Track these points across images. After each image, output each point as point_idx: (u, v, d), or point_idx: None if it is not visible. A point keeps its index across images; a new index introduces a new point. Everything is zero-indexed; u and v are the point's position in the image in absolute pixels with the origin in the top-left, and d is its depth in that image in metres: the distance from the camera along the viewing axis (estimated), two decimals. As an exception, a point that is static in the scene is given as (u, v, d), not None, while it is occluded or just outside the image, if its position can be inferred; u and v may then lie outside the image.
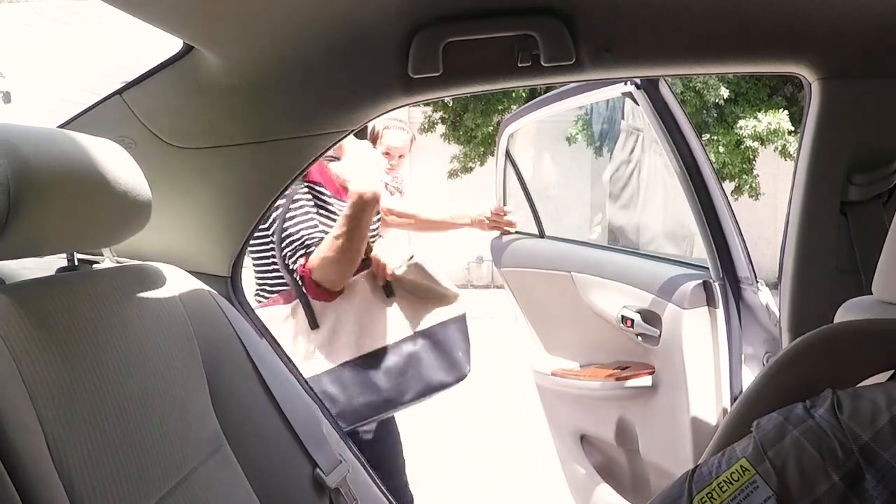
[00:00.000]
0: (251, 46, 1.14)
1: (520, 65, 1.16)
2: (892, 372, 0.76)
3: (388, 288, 1.73)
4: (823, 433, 0.70)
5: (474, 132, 9.66)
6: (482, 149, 9.84)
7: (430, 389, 1.67)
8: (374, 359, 1.65)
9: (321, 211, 1.70)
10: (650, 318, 1.95)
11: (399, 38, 1.14)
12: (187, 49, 1.16)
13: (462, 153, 10.07)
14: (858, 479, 0.66)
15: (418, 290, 1.73)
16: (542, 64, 1.15)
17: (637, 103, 1.78)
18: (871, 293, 0.97)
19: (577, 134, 8.86)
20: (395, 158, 2.56)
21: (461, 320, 1.74)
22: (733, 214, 1.78)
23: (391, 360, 1.66)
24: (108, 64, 9.01)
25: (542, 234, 2.56)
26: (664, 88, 1.78)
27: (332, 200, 1.74)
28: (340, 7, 1.07)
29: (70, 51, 9.76)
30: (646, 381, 1.97)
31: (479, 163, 9.99)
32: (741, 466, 0.73)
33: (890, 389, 0.69)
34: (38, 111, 8.71)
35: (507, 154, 2.66)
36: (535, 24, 1.12)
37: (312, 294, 1.63)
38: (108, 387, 0.96)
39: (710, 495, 0.74)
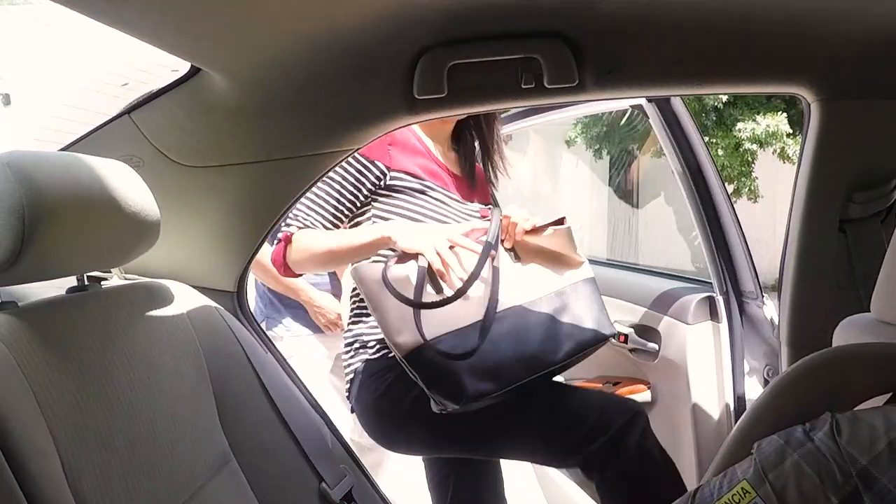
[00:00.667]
0: (258, 69, 1.15)
1: (523, 86, 1.18)
2: (889, 395, 0.78)
3: (513, 251, 1.54)
4: (822, 457, 0.71)
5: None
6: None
7: (583, 346, 1.48)
8: (519, 315, 1.44)
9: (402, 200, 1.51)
10: (646, 332, 1.95)
11: (405, 59, 1.16)
12: (195, 70, 1.17)
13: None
14: (857, 502, 0.67)
15: (546, 255, 1.55)
16: (546, 85, 1.17)
17: (647, 116, 1.79)
18: (868, 309, 0.98)
19: (577, 137, 8.87)
20: None
21: (592, 282, 1.57)
22: (740, 228, 1.78)
23: (537, 317, 1.47)
24: (108, 66, 9.03)
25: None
26: (676, 101, 1.78)
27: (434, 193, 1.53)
28: (347, 30, 1.09)
29: (70, 53, 9.77)
30: (645, 395, 1.97)
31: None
32: (742, 489, 0.75)
33: (888, 413, 0.71)
34: (38, 113, 8.72)
35: None
36: (539, 47, 1.14)
37: (273, 261, 1.50)
38: (118, 406, 0.98)
39: (711, 517, 0.76)
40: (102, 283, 1.16)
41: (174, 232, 1.29)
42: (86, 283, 1.09)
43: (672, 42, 1.16)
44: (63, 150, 1.25)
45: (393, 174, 1.49)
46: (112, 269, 1.26)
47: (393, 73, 1.17)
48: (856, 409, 0.75)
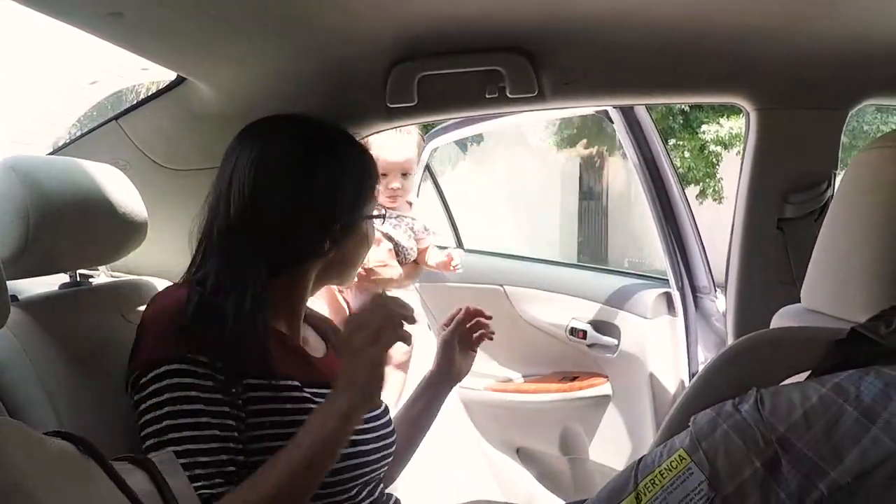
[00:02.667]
0: (243, 79, 1.23)
1: (487, 96, 1.27)
2: (808, 372, 0.89)
3: None
4: (748, 426, 0.82)
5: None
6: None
7: None
8: None
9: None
10: (605, 328, 2.04)
11: (378, 71, 1.25)
12: (180, 80, 1.24)
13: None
14: (776, 464, 0.78)
15: None
16: (508, 95, 1.26)
17: (611, 121, 1.88)
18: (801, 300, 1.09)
19: (548, 139, 8.98)
20: (397, 178, 1.79)
21: None
22: (696, 226, 1.89)
23: None
24: (75, 67, 8.92)
25: (459, 247, 2.52)
26: (638, 107, 1.88)
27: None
28: (326, 44, 1.17)
29: (37, 55, 9.63)
30: (605, 389, 2.07)
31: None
32: (679, 456, 0.85)
33: (805, 388, 0.81)
34: (12, 116, 8.60)
35: (428, 168, 2.59)
36: (502, 60, 1.23)
37: None
38: (113, 396, 1.05)
39: (652, 481, 0.85)
40: (91, 279, 1.22)
41: (159, 231, 1.35)
42: (78, 279, 1.16)
43: (624, 56, 1.26)
44: (52, 153, 1.32)
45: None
46: (99, 267, 1.33)
47: (368, 83, 1.26)
48: (780, 383, 0.86)
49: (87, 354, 1.03)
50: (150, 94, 1.28)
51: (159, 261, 1.41)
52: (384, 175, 1.72)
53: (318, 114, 1.32)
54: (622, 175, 9.10)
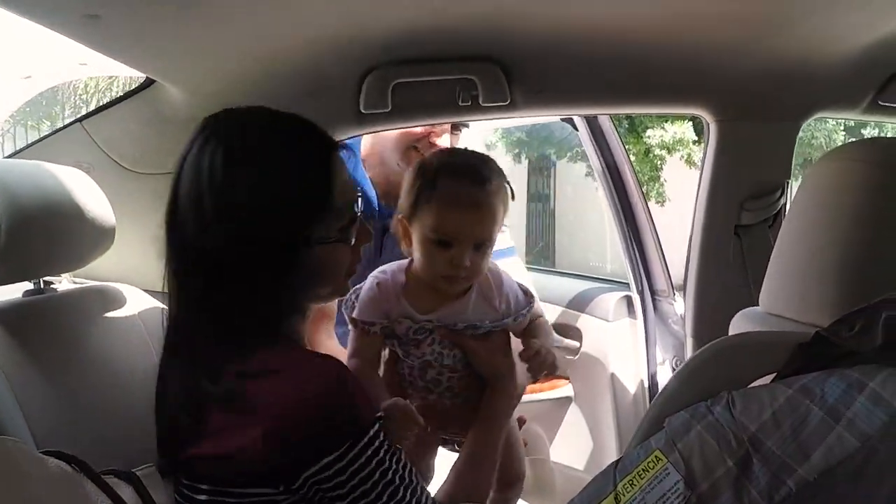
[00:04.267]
0: (215, 83, 1.22)
1: (460, 104, 1.29)
2: (774, 374, 0.93)
3: None
4: (721, 426, 0.86)
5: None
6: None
7: None
8: None
9: None
10: (566, 331, 2.07)
11: (353, 77, 1.25)
12: (149, 82, 1.22)
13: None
14: (748, 463, 0.82)
15: None
16: (481, 103, 1.29)
17: (576, 129, 1.92)
18: (758, 304, 1.15)
19: (498, 141, 9.04)
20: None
21: None
22: (655, 230, 1.95)
23: None
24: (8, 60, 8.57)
25: None
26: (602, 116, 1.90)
27: None
28: (301, 49, 1.17)
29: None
30: (567, 390, 2.09)
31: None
32: (656, 456, 0.89)
33: (773, 389, 0.86)
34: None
35: None
36: (475, 69, 1.26)
37: None
38: (83, 403, 1.02)
39: (631, 482, 0.89)
40: (53, 286, 1.19)
41: (125, 236, 1.32)
42: (42, 286, 1.13)
43: (593, 68, 1.30)
44: (10, 156, 1.28)
45: None
46: (62, 274, 1.29)
47: (343, 88, 1.26)
48: (748, 387, 0.90)
49: (57, 362, 1.00)
50: (89, 90, 1.24)
51: (124, 267, 1.38)
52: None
53: None
54: (570, 178, 9.26)
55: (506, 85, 1.27)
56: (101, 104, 1.43)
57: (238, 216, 0.83)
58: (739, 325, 1.16)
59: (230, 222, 0.84)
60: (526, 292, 1.12)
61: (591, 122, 1.89)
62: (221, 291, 0.85)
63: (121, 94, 1.30)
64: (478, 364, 1.07)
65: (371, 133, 1.52)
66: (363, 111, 1.27)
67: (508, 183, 1.05)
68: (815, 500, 0.78)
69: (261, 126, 0.91)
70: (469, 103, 1.29)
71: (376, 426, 0.82)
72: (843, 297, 0.95)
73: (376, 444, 0.82)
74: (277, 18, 1.08)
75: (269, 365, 0.81)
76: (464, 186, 0.99)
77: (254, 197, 0.84)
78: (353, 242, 0.91)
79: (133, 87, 1.23)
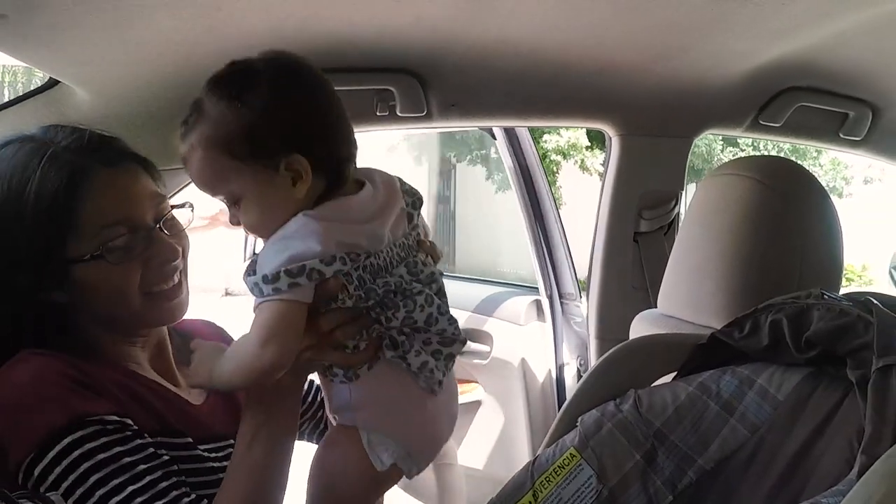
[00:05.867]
0: (124, 87, 1.18)
1: (378, 114, 1.32)
2: (675, 373, 1.01)
3: None
4: (629, 423, 0.93)
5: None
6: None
7: None
8: None
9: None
10: (476, 336, 2.09)
11: None
12: (53, 82, 1.17)
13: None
14: (654, 456, 0.89)
15: None
16: (398, 114, 1.32)
17: (494, 137, 1.96)
18: (656, 306, 1.24)
19: (400, 143, 9.04)
20: None
21: None
22: (564, 235, 2.02)
23: None
24: None
25: None
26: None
27: None
28: (217, 55, 1.14)
29: None
30: (476, 394, 2.12)
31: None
32: (570, 454, 0.95)
33: (674, 388, 0.94)
34: None
35: None
36: (393, 80, 1.28)
37: None
38: None
39: (547, 478, 0.94)
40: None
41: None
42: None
43: (505, 83, 1.36)
44: None
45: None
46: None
47: None
48: (652, 385, 0.98)
49: None
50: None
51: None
52: None
53: None
54: (471, 181, 9.40)
55: (423, 96, 1.30)
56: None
57: None
58: (639, 326, 1.25)
59: None
60: None
61: (509, 129, 1.94)
62: None
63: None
64: None
65: None
66: None
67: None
68: (712, 488, 0.87)
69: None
70: (386, 113, 1.31)
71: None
72: (732, 300, 1.05)
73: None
74: (194, 24, 1.07)
75: None
76: None
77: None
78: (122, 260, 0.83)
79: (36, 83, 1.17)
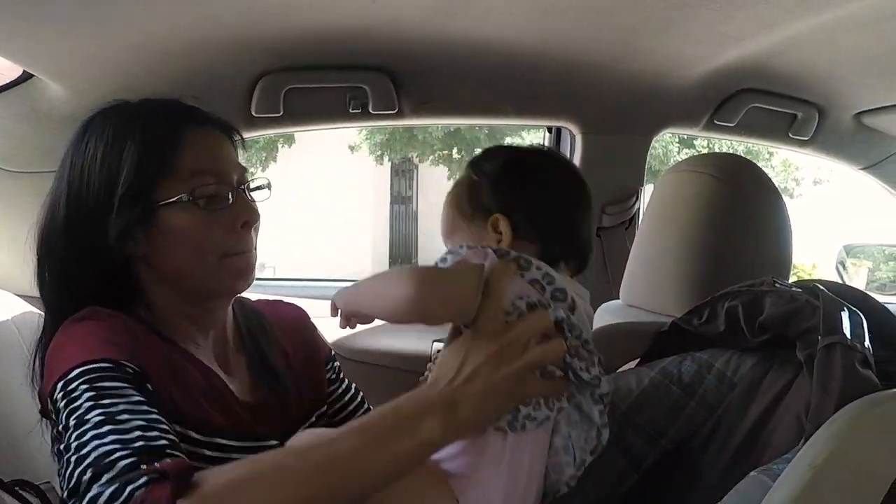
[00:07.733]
0: (100, 81, 1.18)
1: (351, 111, 1.35)
2: (638, 359, 1.06)
3: None
4: None
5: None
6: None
7: None
8: None
9: None
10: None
11: (245, 81, 1.26)
12: (27, 76, 1.17)
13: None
14: (620, 437, 0.93)
15: None
16: (370, 111, 1.35)
17: None
18: (618, 297, 1.29)
19: (362, 143, 8.94)
20: None
21: None
22: None
23: None
24: None
25: None
26: None
27: None
28: (192, 49, 1.16)
29: None
30: None
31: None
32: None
33: (639, 373, 0.98)
34: None
35: None
36: (366, 78, 1.31)
37: None
38: None
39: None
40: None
41: (-4, 239, 1.25)
42: None
43: (474, 82, 1.40)
44: None
45: None
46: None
47: (233, 91, 1.27)
48: (618, 370, 1.02)
49: None
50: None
51: (-4, 270, 1.30)
52: None
53: None
54: (432, 181, 9.40)
55: (394, 94, 1.34)
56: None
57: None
58: (604, 315, 1.30)
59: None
60: None
61: None
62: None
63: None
64: None
65: (262, 136, 1.53)
66: (255, 114, 1.29)
67: None
68: (675, 466, 0.91)
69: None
70: (359, 110, 1.34)
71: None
72: (690, 289, 1.11)
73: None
74: (170, 19, 1.08)
75: None
76: None
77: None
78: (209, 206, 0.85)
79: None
